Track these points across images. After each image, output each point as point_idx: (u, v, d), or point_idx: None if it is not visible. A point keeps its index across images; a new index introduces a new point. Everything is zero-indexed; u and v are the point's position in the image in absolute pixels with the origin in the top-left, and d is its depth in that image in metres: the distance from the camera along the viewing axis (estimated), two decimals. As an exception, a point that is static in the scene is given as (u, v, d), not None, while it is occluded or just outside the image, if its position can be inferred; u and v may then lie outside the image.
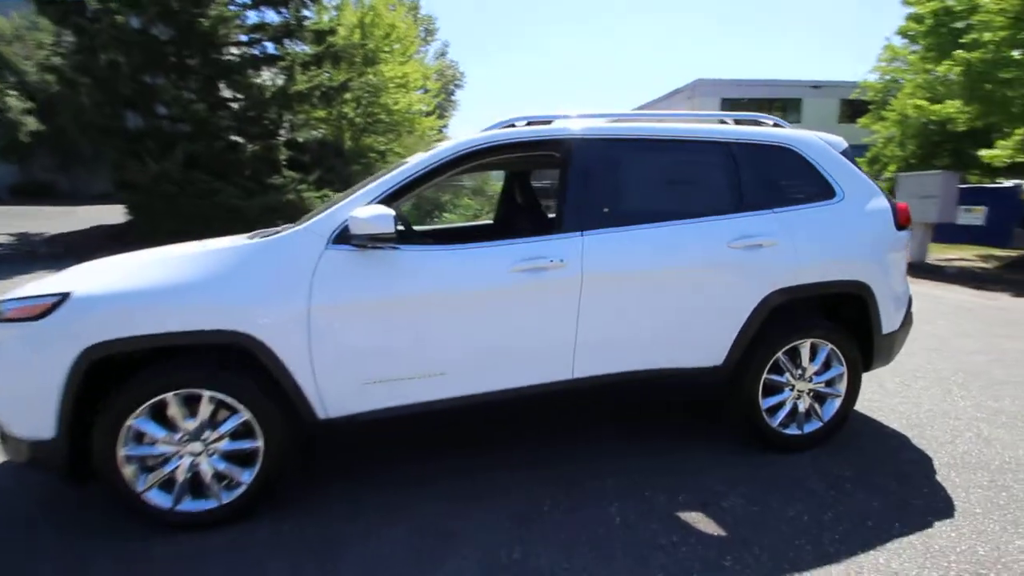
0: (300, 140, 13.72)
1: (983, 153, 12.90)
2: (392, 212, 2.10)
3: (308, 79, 12.26)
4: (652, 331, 2.49)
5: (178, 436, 2.12)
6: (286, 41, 12.87)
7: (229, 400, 2.10)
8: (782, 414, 2.77)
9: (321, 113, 14.93)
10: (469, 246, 2.30)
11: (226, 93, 12.47)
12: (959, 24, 13.17)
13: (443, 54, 33.47)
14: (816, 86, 28.21)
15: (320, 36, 12.85)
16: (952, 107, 12.53)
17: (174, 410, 2.09)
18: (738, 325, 2.56)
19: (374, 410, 2.24)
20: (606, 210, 2.43)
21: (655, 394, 2.69)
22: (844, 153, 2.92)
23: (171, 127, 11.79)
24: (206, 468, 2.15)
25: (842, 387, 2.84)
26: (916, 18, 14.01)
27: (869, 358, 2.90)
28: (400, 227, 3.28)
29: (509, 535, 2.18)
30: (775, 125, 2.94)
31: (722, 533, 2.18)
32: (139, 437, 2.10)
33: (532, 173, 3.85)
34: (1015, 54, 11.65)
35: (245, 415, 2.13)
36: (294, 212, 10.76)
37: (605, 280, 2.37)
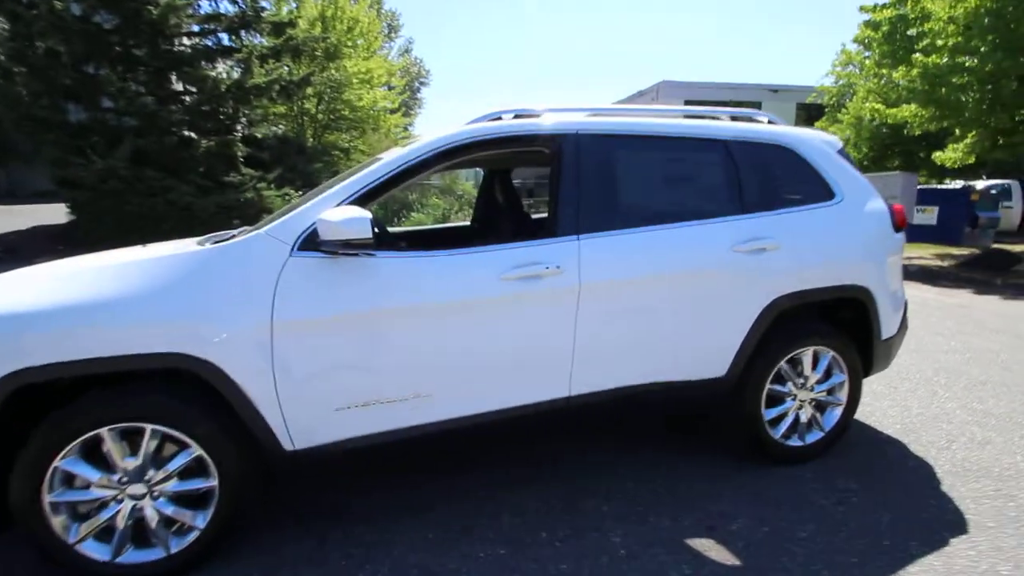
0: (259, 136, 13.13)
1: (937, 155, 13.40)
2: (368, 214, 1.84)
3: (266, 72, 11.72)
4: (653, 342, 2.30)
5: (116, 477, 1.81)
6: (242, 33, 12.31)
7: (177, 434, 1.80)
8: (784, 425, 2.63)
9: (281, 109, 14.35)
10: (454, 252, 2.06)
11: (178, 86, 11.85)
12: (913, 31, 13.63)
13: (407, 51, 32.86)
14: (774, 90, 28.88)
15: (279, 28, 12.31)
16: (907, 111, 12.94)
17: (111, 447, 1.78)
18: (742, 334, 2.40)
19: (349, 439, 1.98)
20: (603, 211, 2.23)
21: (647, 407, 2.50)
22: (840, 152, 2.81)
23: (117, 121, 11.09)
24: (151, 513, 1.85)
25: (843, 395, 2.73)
26: (873, 24, 14.43)
27: (868, 364, 2.79)
28: (374, 229, 3.02)
29: (504, 572, 1.95)
30: (770, 122, 2.80)
31: (736, 562, 2.01)
32: (69, 480, 1.78)
33: (512, 171, 3.63)
34: (966, 60, 12.12)
35: (196, 450, 1.83)
36: (252, 211, 10.24)
37: (604, 288, 2.17)
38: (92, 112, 11.24)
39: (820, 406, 2.73)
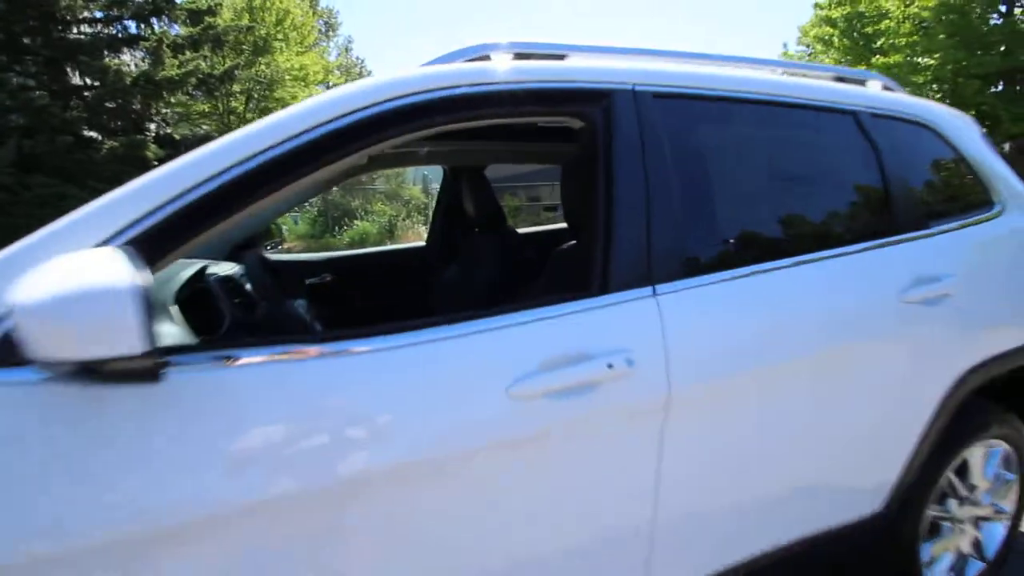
0: (176, 137, 11.53)
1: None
2: (132, 281, 0.67)
3: (180, 64, 10.24)
4: (788, 479, 1.26)
5: None
6: (153, 20, 10.78)
7: None
8: (945, 564, 1.66)
9: (204, 107, 12.80)
10: (408, 338, 0.93)
11: (78, 80, 10.22)
12: (869, 29, 13.50)
13: (347, 50, 30.95)
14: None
15: (196, 16, 10.84)
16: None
17: None
18: (913, 440, 1.41)
19: None
20: (694, 238, 1.18)
21: None
22: (985, 137, 1.88)
23: (1, 119, 9.40)
24: None
25: (1010, 503, 1.79)
26: (829, 21, 14.22)
27: (1031, 451, 1.87)
28: (233, 270, 1.77)
29: None
30: (886, 88, 1.83)
31: None
32: None
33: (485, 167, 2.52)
34: (924, 60, 12.02)
35: None
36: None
37: (711, 394, 1.11)
38: (-32, 109, 9.51)
39: (979, 522, 1.78)
